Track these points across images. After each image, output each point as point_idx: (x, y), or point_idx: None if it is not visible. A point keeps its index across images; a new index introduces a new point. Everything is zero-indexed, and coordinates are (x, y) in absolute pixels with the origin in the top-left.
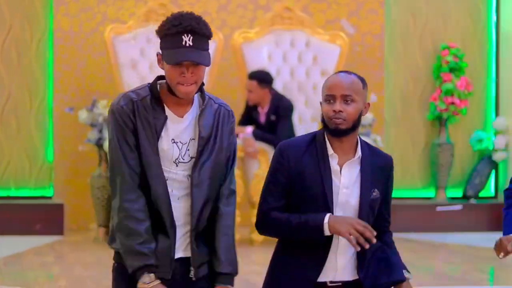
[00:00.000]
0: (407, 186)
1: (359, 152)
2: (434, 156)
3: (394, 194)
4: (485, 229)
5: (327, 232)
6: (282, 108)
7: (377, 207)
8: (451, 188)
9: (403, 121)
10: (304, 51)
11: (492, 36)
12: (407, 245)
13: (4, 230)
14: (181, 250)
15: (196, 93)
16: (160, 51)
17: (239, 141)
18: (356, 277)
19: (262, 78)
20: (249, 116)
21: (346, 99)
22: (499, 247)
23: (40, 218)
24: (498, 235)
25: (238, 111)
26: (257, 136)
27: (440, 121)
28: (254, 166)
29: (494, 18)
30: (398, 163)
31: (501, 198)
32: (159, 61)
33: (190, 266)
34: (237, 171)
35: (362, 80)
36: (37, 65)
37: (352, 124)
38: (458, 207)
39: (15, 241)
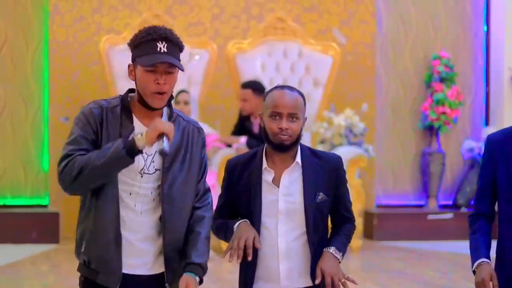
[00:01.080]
0: (398, 195)
1: (297, 159)
2: (425, 164)
3: (385, 202)
4: None
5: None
6: None
7: (328, 210)
8: (442, 196)
9: (394, 130)
10: (297, 61)
11: (482, 46)
12: (398, 253)
13: (0, 239)
14: (156, 266)
15: (164, 106)
16: (132, 63)
17: (233, 151)
18: (309, 284)
19: (256, 87)
20: (242, 126)
21: (291, 117)
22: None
23: (35, 226)
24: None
25: (231, 121)
26: (251, 146)
27: (431, 130)
28: None
29: (484, 28)
30: (389, 172)
31: None
32: (130, 73)
33: (165, 283)
34: None
35: (303, 96)
36: (33, 75)
37: (296, 139)
38: (448, 215)
39: (11, 250)
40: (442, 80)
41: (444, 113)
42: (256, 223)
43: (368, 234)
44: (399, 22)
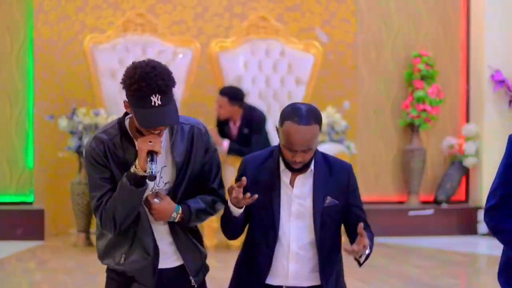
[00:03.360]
0: (379, 191)
1: (311, 167)
2: (406, 161)
3: (367, 198)
4: (456, 233)
5: (232, 209)
6: (255, 122)
7: (339, 215)
8: (422, 193)
9: (376, 127)
10: (279, 60)
11: (462, 45)
12: (379, 249)
13: None
14: (176, 258)
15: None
16: (127, 100)
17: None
18: (316, 283)
19: (233, 95)
20: (221, 130)
21: (306, 150)
22: None
23: (21, 223)
24: (468, 239)
25: (214, 119)
26: (232, 150)
27: (412, 128)
28: (230, 172)
29: (464, 27)
30: (371, 169)
31: (472, 203)
32: (126, 107)
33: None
34: None
35: (319, 120)
36: (18, 73)
37: (308, 163)
38: (429, 211)
39: None
40: (422, 78)
41: (424, 110)
42: (275, 221)
43: None
44: (380, 21)
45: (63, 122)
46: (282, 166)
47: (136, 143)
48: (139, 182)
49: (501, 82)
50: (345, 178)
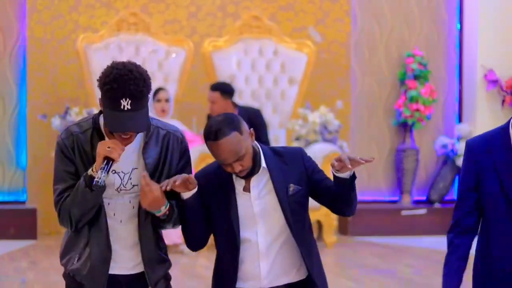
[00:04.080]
0: (372, 190)
1: (263, 165)
2: (399, 161)
3: (359, 198)
4: None
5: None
6: (257, 117)
7: (306, 199)
8: (415, 192)
9: (368, 127)
10: (272, 59)
11: (456, 44)
12: (372, 248)
13: None
14: (137, 267)
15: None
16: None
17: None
18: (295, 279)
19: (225, 90)
20: None
21: (239, 159)
22: None
23: (13, 222)
24: None
25: (206, 120)
26: None
27: (405, 127)
28: None
29: (457, 26)
30: (363, 168)
31: None
32: (100, 105)
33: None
34: None
35: (236, 126)
36: (11, 72)
37: (252, 163)
38: (422, 211)
39: None
40: (415, 77)
41: (417, 110)
42: (236, 229)
43: (343, 229)
44: (373, 21)
45: (56, 121)
46: (233, 175)
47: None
48: (96, 186)
49: (494, 81)
50: (300, 162)
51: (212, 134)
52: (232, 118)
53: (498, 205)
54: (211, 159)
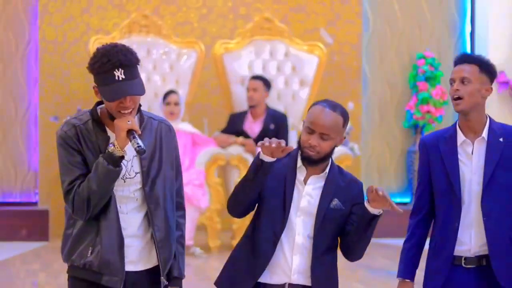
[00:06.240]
0: None
1: (326, 171)
2: (410, 162)
3: None
4: None
5: (262, 156)
6: (283, 118)
7: (342, 220)
8: None
9: (380, 128)
10: (283, 61)
11: (466, 46)
12: (383, 250)
13: None
14: (150, 261)
15: (135, 115)
16: (96, 85)
17: (221, 150)
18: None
19: (266, 81)
20: (233, 126)
21: (323, 136)
22: None
23: (25, 224)
24: None
25: (219, 120)
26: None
27: (416, 129)
28: (234, 174)
29: (469, 28)
30: (375, 170)
31: None
32: (96, 94)
33: (161, 277)
34: (217, 179)
35: (345, 116)
36: (22, 74)
37: (323, 156)
38: None
39: (1, 247)
40: (426, 79)
41: (428, 112)
42: (286, 213)
43: None
44: (384, 22)
45: None
46: (299, 163)
47: (108, 130)
48: (116, 163)
49: (505, 83)
50: (355, 190)
51: (329, 103)
52: (347, 113)
53: (444, 192)
54: (222, 161)
